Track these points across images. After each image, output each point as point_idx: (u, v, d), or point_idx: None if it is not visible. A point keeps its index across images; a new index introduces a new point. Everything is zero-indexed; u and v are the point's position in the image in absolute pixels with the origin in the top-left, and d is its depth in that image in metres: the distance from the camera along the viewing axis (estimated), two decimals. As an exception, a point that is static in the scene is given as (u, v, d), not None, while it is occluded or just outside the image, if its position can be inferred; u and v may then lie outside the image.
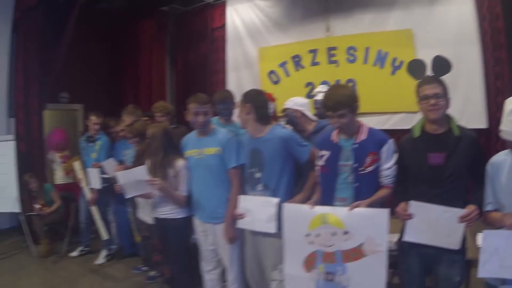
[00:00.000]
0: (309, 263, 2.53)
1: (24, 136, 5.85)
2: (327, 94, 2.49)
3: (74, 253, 5.15)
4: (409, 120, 4.75)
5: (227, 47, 6.28)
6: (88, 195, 4.81)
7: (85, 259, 5.08)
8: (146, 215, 3.64)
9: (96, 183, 4.64)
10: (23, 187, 5.37)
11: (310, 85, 5.49)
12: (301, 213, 2.55)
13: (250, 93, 2.95)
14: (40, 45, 5.73)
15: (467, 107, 4.60)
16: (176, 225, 3.17)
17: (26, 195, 5.37)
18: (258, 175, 2.84)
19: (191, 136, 3.20)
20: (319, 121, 3.36)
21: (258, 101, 2.86)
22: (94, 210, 4.78)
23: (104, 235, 4.77)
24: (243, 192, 2.94)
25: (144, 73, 7.04)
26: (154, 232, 3.57)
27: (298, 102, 3.43)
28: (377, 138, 2.47)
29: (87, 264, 4.93)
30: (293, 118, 3.35)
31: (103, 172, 4.57)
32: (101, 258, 4.95)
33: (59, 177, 5.73)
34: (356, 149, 2.46)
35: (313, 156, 2.74)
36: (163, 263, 3.81)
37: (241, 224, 2.89)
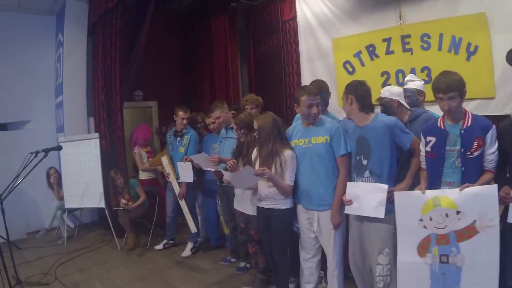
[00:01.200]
0: (423, 247, 2.70)
1: (107, 134, 6.41)
2: (437, 78, 2.77)
3: (159, 246, 5.51)
4: (485, 106, 5.05)
5: (300, 39, 6.71)
6: (177, 189, 5.13)
7: (170, 251, 5.43)
8: (243, 206, 3.93)
9: (189, 177, 4.88)
10: (108, 183, 5.83)
11: (386, 74, 5.87)
12: (413, 199, 2.74)
13: (351, 84, 3.21)
14: (118, 46, 6.13)
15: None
16: (281, 215, 3.45)
17: (112, 191, 5.82)
18: (364, 162, 3.06)
19: (297, 126, 3.50)
20: (414, 110, 3.62)
21: (359, 92, 3.11)
22: (184, 204, 5.11)
23: (194, 228, 5.09)
24: (350, 179, 3.18)
25: (216, 69, 7.63)
26: (252, 222, 3.87)
27: (394, 91, 3.65)
28: (482, 124, 2.71)
29: (173, 257, 5.27)
30: (389, 107, 3.57)
31: (193, 166, 4.83)
32: (187, 251, 5.27)
33: (144, 172, 6.16)
34: (463, 134, 2.70)
35: (414, 144, 3.03)
36: (258, 254, 4.04)
37: (349, 210, 3.10)
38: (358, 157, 3.13)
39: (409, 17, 5.69)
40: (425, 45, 5.58)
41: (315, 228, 3.36)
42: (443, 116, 2.88)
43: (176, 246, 5.60)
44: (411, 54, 5.68)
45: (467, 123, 2.73)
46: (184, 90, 8.19)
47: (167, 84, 7.98)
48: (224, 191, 4.58)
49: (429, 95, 3.41)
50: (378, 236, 3.02)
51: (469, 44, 5.35)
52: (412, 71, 5.64)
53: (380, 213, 2.91)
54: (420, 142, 3.01)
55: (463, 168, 2.69)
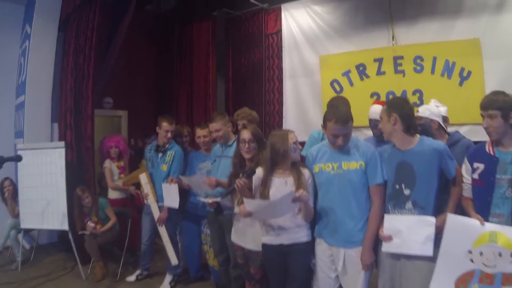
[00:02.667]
0: (463, 281, 2.49)
1: (74, 144, 5.66)
2: (486, 95, 2.65)
3: (132, 278, 4.93)
4: (476, 132, 4.91)
5: (284, 54, 6.53)
6: (157, 213, 4.59)
7: (145, 284, 4.85)
8: (243, 239, 3.41)
9: (175, 202, 4.34)
10: (74, 202, 5.11)
11: (376, 95, 5.77)
12: (468, 228, 2.51)
13: (395, 102, 2.92)
14: (93, 43, 5.62)
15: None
16: (303, 250, 3.02)
17: (77, 211, 5.10)
18: (407, 191, 2.74)
19: (323, 147, 3.04)
20: (453, 134, 3.43)
21: (405, 110, 2.80)
22: (164, 231, 4.58)
23: (175, 259, 4.58)
24: (384, 211, 2.86)
25: (195, 80, 7.29)
26: (253, 259, 3.36)
27: (435, 111, 3.43)
28: None
29: (148, 291, 4.72)
30: (429, 128, 3.33)
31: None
32: (165, 284, 4.71)
33: (114, 191, 5.52)
34: None
35: (456, 172, 2.77)
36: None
37: (389, 247, 2.74)
38: (397, 186, 2.80)
39: (402, 38, 5.64)
40: (418, 68, 5.54)
41: (340, 267, 2.93)
42: (491, 141, 2.68)
43: (151, 278, 5.01)
44: (403, 76, 5.62)
45: None
46: (159, 100, 7.69)
47: (140, 93, 7.46)
48: (216, 219, 3.98)
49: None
50: (418, 275, 2.69)
51: (462, 69, 5.36)
52: (404, 94, 5.57)
53: (429, 251, 2.62)
54: (463, 169, 2.78)
55: None
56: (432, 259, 2.63)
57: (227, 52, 7.19)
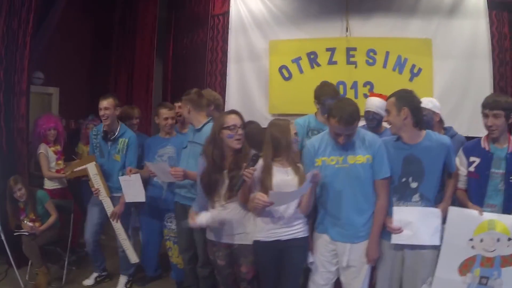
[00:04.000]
0: (466, 267, 2.69)
1: (2, 125, 4.78)
2: (490, 95, 2.83)
3: (89, 281, 4.32)
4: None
5: (230, 36, 6.22)
6: (110, 207, 4.01)
7: (105, 287, 4.31)
8: (232, 234, 2.98)
9: (140, 195, 3.85)
10: (6, 195, 4.32)
11: (326, 84, 5.64)
12: (468, 218, 2.71)
13: (405, 95, 2.82)
14: (33, 4, 4.84)
15: (476, 117, 5.10)
16: (301, 245, 2.86)
17: (10, 207, 4.29)
18: (414, 184, 2.76)
19: (325, 138, 2.88)
20: (449, 129, 3.53)
21: (414, 104, 2.77)
22: (119, 227, 4.04)
23: (135, 257, 4.07)
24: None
25: (138, 58, 6.69)
26: (246, 255, 2.97)
27: (437, 104, 3.46)
28: None
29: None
30: (431, 120, 3.35)
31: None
32: (121, 287, 4.22)
33: (50, 180, 4.83)
34: (509, 159, 2.71)
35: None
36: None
37: (399, 239, 2.76)
38: (403, 179, 2.78)
39: (356, 31, 5.65)
40: (371, 61, 5.56)
41: (345, 263, 2.83)
42: (486, 137, 2.86)
43: (111, 279, 4.40)
44: (355, 67, 5.60)
45: None
46: (95, 78, 6.92)
47: (73, 68, 6.62)
48: (185, 211, 3.46)
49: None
50: (423, 264, 2.76)
51: (413, 66, 5.48)
52: (354, 84, 5.56)
53: (437, 241, 2.73)
54: (457, 162, 2.90)
55: (506, 192, 2.72)
56: (435, 247, 2.74)
57: (168, 31, 6.78)
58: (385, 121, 2.96)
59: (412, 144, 2.78)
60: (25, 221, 4.21)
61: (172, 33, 6.83)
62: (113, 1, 6.87)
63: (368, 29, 5.63)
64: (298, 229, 2.82)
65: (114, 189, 4.02)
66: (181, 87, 6.57)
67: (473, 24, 5.40)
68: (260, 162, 2.78)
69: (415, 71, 5.47)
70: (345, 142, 2.73)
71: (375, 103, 3.49)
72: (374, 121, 3.50)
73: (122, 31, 6.87)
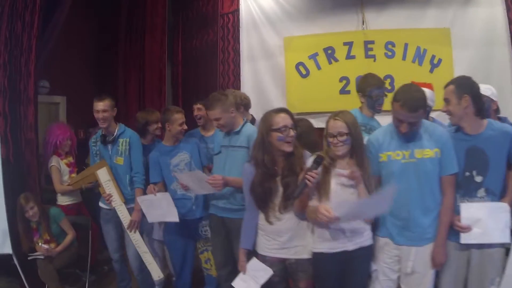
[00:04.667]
0: None
1: (9, 136, 4.42)
2: None
3: None
4: (445, 117, 5.10)
5: (241, 35, 6.11)
6: (126, 217, 3.66)
7: None
8: (288, 249, 2.71)
9: (170, 214, 3.46)
10: (16, 215, 3.94)
11: (345, 79, 5.58)
12: None
13: (464, 81, 2.66)
14: (38, 6, 4.58)
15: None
16: (365, 255, 2.66)
17: (22, 227, 3.95)
18: (478, 178, 2.60)
19: (388, 131, 2.69)
20: (504, 118, 3.36)
21: (475, 90, 2.61)
22: (138, 238, 3.68)
23: (159, 272, 3.68)
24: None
25: (144, 63, 6.52)
26: (305, 269, 2.73)
27: (495, 92, 3.31)
28: None
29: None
30: (489, 108, 3.19)
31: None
32: None
33: (64, 195, 4.46)
34: None
35: None
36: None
37: (468, 238, 2.58)
38: (467, 173, 2.61)
39: (372, 23, 5.57)
40: (389, 53, 5.48)
41: (409, 268, 2.63)
42: None
43: None
44: (374, 61, 5.52)
45: None
46: (102, 84, 6.60)
47: (79, 75, 6.43)
48: (223, 224, 3.28)
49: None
50: (491, 264, 2.59)
51: (433, 57, 5.41)
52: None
53: (507, 238, 2.56)
54: None
55: None
56: (503, 245, 2.61)
57: (176, 32, 6.65)
58: (444, 111, 2.73)
59: (474, 135, 2.61)
60: (39, 243, 3.94)
61: (180, 34, 6.70)
62: (118, 4, 6.66)
63: (384, 21, 5.55)
64: (365, 237, 2.64)
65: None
66: (192, 90, 6.51)
67: (490, 10, 5.32)
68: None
69: (435, 61, 5.40)
70: (407, 131, 2.53)
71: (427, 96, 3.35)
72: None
73: (129, 34, 6.66)
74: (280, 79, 5.92)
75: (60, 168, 4.47)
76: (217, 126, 3.32)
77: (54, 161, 4.44)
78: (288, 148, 2.63)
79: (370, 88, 3.29)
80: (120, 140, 3.74)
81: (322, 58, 5.72)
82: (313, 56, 5.73)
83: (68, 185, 4.30)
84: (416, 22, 5.49)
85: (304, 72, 5.79)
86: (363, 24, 5.59)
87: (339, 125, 2.51)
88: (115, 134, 3.74)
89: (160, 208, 3.48)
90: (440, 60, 5.40)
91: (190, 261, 3.82)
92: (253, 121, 4.19)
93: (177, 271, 3.84)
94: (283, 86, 5.89)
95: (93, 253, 4.37)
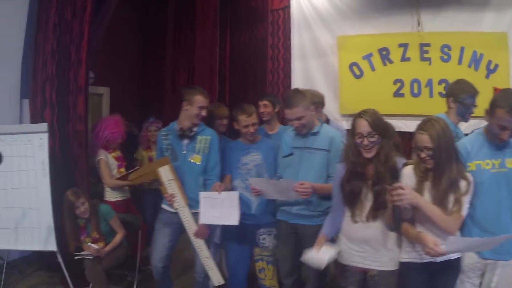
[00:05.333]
0: None
1: (56, 128, 4.31)
2: None
3: None
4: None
5: (292, 32, 6.10)
6: (190, 222, 3.36)
7: None
8: (371, 260, 2.64)
9: (231, 216, 3.21)
10: (64, 211, 3.76)
11: (399, 82, 5.58)
12: None
13: None
14: None
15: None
16: (454, 267, 2.56)
17: (70, 224, 3.75)
18: None
19: (478, 139, 2.63)
20: None
21: None
22: (201, 243, 3.42)
23: (220, 278, 3.45)
24: None
25: (198, 54, 6.47)
26: (387, 282, 2.65)
27: None
28: None
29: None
30: None
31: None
32: None
33: (113, 191, 4.32)
34: None
35: None
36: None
37: None
38: None
39: (428, 25, 5.54)
40: (445, 57, 5.46)
41: (494, 283, 2.54)
42: None
43: None
44: (429, 64, 5.50)
45: None
46: (145, 75, 6.66)
47: (123, 66, 6.36)
48: (294, 231, 3.18)
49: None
50: None
51: (489, 62, 5.38)
52: (429, 82, 5.48)
53: None
54: None
55: None
56: None
57: (224, 27, 6.63)
58: None
59: None
60: (87, 242, 3.76)
61: (228, 29, 6.68)
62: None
63: (441, 24, 5.51)
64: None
65: (192, 202, 3.35)
66: (240, 85, 6.53)
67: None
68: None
69: (492, 67, 5.37)
70: (508, 139, 2.46)
71: None
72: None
73: (178, 26, 6.57)
74: (332, 78, 5.92)
75: (108, 161, 4.32)
76: (297, 126, 3.13)
77: (102, 155, 4.28)
78: (367, 155, 2.55)
79: (464, 95, 3.24)
80: (199, 137, 3.44)
81: (376, 59, 5.70)
82: (368, 57, 5.72)
83: (129, 180, 3.86)
84: (472, 26, 5.44)
85: (358, 72, 5.79)
86: (418, 25, 5.56)
87: (424, 139, 2.41)
88: (194, 129, 3.42)
89: (221, 208, 3.23)
90: (496, 66, 5.37)
91: (246, 266, 3.68)
92: (327, 121, 4.14)
93: (232, 275, 3.70)
94: (335, 86, 5.90)
95: (141, 253, 4.23)
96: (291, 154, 3.22)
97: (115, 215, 3.90)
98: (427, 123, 2.44)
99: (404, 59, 5.61)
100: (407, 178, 2.49)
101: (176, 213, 3.39)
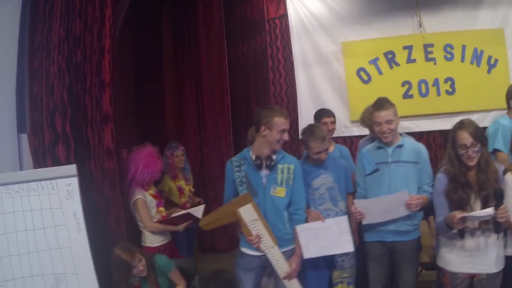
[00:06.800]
0: None
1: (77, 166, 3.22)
2: None
3: None
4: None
5: (293, 41, 6.10)
6: (282, 263, 2.99)
7: None
8: (481, 263, 2.66)
9: (342, 245, 3.02)
10: (114, 271, 3.08)
11: (407, 84, 5.76)
12: None
13: None
14: None
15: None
16: None
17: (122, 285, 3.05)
18: None
19: None
20: None
21: None
22: (296, 284, 3.08)
23: None
24: None
25: (204, 70, 6.03)
26: (494, 284, 2.72)
27: None
28: None
29: None
30: None
31: None
32: None
33: (154, 235, 3.65)
34: None
35: None
36: None
37: None
38: None
39: (429, 26, 5.74)
40: (449, 56, 5.70)
41: None
42: None
43: None
44: (435, 64, 5.72)
45: None
46: (141, 97, 6.11)
47: (118, 91, 5.82)
48: (391, 249, 3.12)
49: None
50: None
51: (489, 57, 5.70)
52: (436, 82, 5.70)
53: None
54: None
55: None
56: None
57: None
58: None
59: None
60: None
61: (224, 41, 6.49)
62: (159, 5, 6.21)
63: (439, 23, 5.75)
64: None
65: (279, 241, 2.98)
66: (242, 99, 6.41)
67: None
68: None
69: (492, 62, 5.69)
70: None
71: None
72: None
73: (179, 41, 6.15)
74: (338, 85, 5.99)
75: (147, 201, 3.67)
76: (385, 130, 3.02)
77: (140, 194, 3.63)
78: (470, 163, 2.60)
79: None
80: (280, 166, 3.01)
81: (383, 63, 5.85)
82: (374, 61, 5.85)
83: (201, 226, 3.19)
84: (471, 23, 5.74)
85: (365, 77, 5.90)
86: (420, 27, 5.75)
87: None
88: (274, 158, 2.99)
89: (328, 238, 3.02)
90: (496, 61, 5.69)
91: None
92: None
93: None
94: (341, 92, 5.98)
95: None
96: (376, 170, 3.12)
97: (175, 267, 3.29)
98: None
99: (410, 60, 5.79)
100: (510, 183, 2.57)
101: (258, 256, 3.01)
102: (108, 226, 3.47)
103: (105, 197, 3.50)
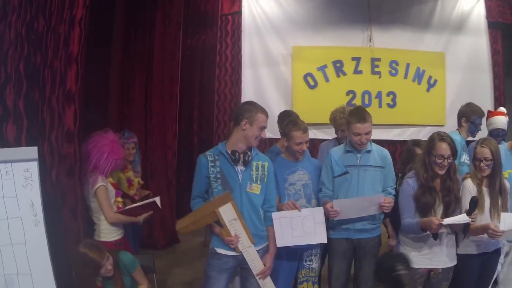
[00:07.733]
0: None
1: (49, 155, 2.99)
2: None
3: None
4: None
5: (243, 39, 6.10)
6: (257, 261, 2.94)
7: None
8: (437, 260, 2.95)
9: (316, 235, 3.06)
10: (76, 269, 2.79)
11: (352, 93, 5.93)
12: None
13: None
14: None
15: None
16: (497, 256, 3.09)
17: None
18: None
19: (506, 154, 3.15)
20: None
21: None
22: (270, 283, 3.05)
23: None
24: None
25: (157, 60, 5.60)
26: (448, 277, 3.05)
27: None
28: None
29: None
30: None
31: None
32: None
33: (111, 228, 3.24)
34: None
35: None
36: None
37: None
38: None
39: (378, 41, 5.99)
40: (393, 71, 5.97)
41: None
42: None
43: None
44: (379, 77, 5.94)
45: None
46: (92, 86, 5.42)
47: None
48: (356, 246, 3.24)
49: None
50: None
51: (430, 77, 6.05)
52: (379, 94, 5.91)
53: None
54: None
55: None
56: None
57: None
58: None
59: None
60: None
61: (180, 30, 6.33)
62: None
63: (389, 39, 6.02)
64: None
65: (255, 239, 2.93)
66: (188, 94, 6.25)
67: (476, 40, 6.13)
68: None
69: (432, 82, 6.03)
70: None
71: (502, 121, 3.86)
72: (500, 137, 3.83)
73: (131, 26, 5.61)
74: (284, 88, 6.04)
75: (108, 189, 3.29)
76: (361, 142, 3.12)
77: (103, 181, 3.23)
78: (441, 172, 2.83)
79: (475, 116, 3.67)
80: (254, 163, 2.97)
81: (330, 71, 5.99)
82: (322, 68, 5.97)
83: (177, 229, 3.14)
84: (417, 44, 6.07)
85: (312, 83, 6.00)
86: (370, 41, 5.96)
87: (485, 152, 2.87)
88: (249, 154, 2.91)
89: (303, 227, 3.05)
90: (436, 81, 6.05)
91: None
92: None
93: None
94: (286, 95, 6.04)
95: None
96: (346, 173, 3.19)
97: (139, 266, 3.01)
98: (485, 140, 2.95)
99: (357, 71, 5.98)
100: (469, 188, 2.91)
101: (234, 256, 2.90)
102: (62, 219, 3.07)
103: (60, 185, 3.11)
